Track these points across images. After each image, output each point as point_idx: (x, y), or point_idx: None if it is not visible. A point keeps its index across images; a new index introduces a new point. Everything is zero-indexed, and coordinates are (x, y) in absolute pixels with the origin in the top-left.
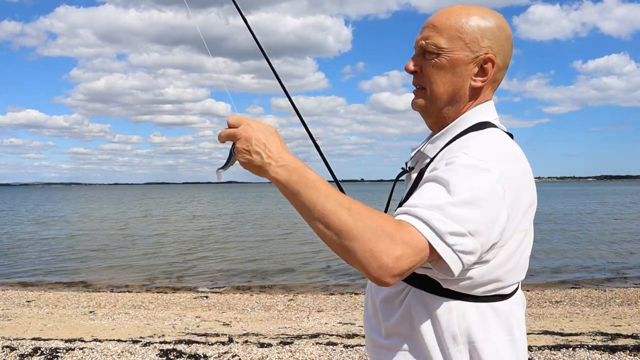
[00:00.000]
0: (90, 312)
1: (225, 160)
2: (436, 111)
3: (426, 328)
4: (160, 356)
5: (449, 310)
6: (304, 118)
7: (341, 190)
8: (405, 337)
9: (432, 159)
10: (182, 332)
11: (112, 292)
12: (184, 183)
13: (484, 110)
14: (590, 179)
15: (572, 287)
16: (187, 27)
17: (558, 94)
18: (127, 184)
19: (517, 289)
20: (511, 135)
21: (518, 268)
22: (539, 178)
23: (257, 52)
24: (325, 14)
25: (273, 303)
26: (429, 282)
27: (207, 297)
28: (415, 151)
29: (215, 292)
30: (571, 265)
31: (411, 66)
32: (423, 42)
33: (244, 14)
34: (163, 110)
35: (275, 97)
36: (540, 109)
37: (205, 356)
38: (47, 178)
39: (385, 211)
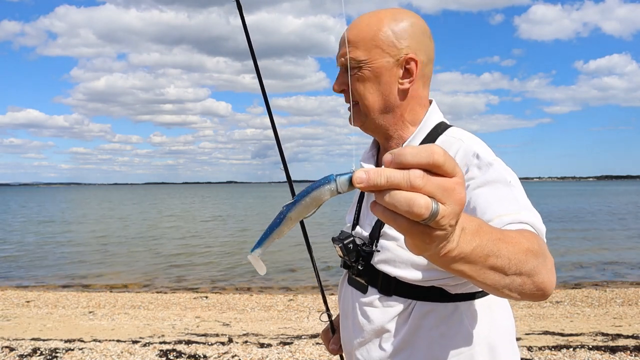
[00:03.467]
0: (90, 312)
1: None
2: (373, 123)
3: (443, 334)
4: (160, 356)
5: (460, 313)
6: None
7: (292, 192)
8: (419, 348)
9: None
10: (182, 332)
11: (111, 292)
12: (183, 183)
13: (436, 112)
14: (591, 179)
15: (573, 287)
16: (187, 27)
17: (559, 93)
18: (127, 184)
19: None
20: None
21: None
22: (539, 178)
23: (257, 52)
24: (327, 14)
25: (273, 303)
26: (435, 291)
27: (207, 297)
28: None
29: (215, 292)
30: (572, 265)
31: (336, 87)
32: (342, 59)
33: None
34: (163, 110)
35: (275, 97)
36: (541, 109)
37: (205, 356)
38: (47, 178)
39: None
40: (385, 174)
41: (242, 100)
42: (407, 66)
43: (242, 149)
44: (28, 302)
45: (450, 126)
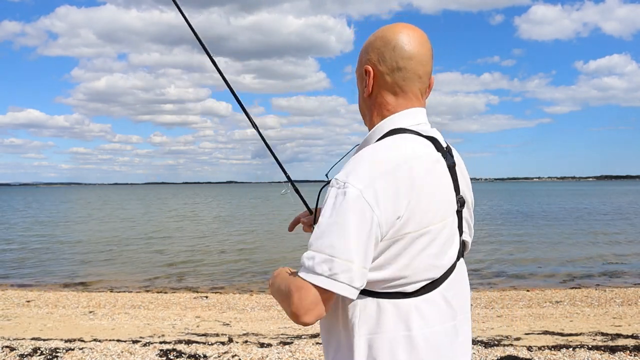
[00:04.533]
0: (90, 312)
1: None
2: (365, 123)
3: (338, 321)
4: (160, 356)
5: (354, 305)
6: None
7: (295, 187)
8: (327, 331)
9: None
10: (182, 332)
11: (111, 292)
12: (183, 183)
13: (394, 121)
14: (591, 179)
15: (572, 287)
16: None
17: (559, 94)
18: (127, 183)
19: (429, 287)
20: (432, 138)
21: (416, 268)
22: (539, 178)
23: (258, 52)
24: (328, 14)
25: (273, 303)
26: None
27: (207, 297)
28: None
29: (215, 292)
30: (571, 265)
31: None
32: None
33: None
34: (164, 110)
35: (275, 97)
36: (541, 109)
37: (205, 356)
38: (47, 178)
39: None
40: None
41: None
42: (365, 76)
43: (242, 149)
44: (28, 301)
45: (391, 135)
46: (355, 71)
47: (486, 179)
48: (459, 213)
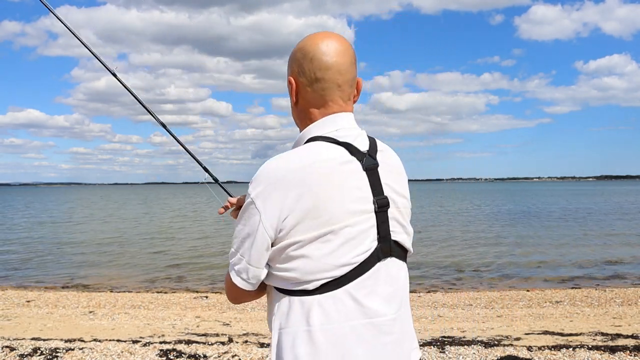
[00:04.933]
0: (90, 312)
1: None
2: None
3: (269, 317)
4: (160, 356)
5: (272, 301)
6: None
7: (214, 177)
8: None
9: None
10: (182, 332)
11: (111, 292)
12: (183, 183)
13: (312, 130)
14: (591, 179)
15: (572, 287)
16: (188, 27)
17: (559, 94)
18: (127, 183)
19: (332, 284)
20: (346, 144)
21: (314, 267)
22: (539, 178)
23: (258, 52)
24: (328, 14)
25: None
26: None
27: (207, 297)
28: None
29: (215, 292)
30: (571, 265)
31: None
32: None
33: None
34: (164, 110)
35: (275, 97)
36: (541, 109)
37: (205, 356)
38: (47, 178)
39: None
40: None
41: (242, 101)
42: (289, 87)
43: (243, 149)
44: (28, 301)
45: (303, 144)
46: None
47: (486, 179)
48: (380, 213)
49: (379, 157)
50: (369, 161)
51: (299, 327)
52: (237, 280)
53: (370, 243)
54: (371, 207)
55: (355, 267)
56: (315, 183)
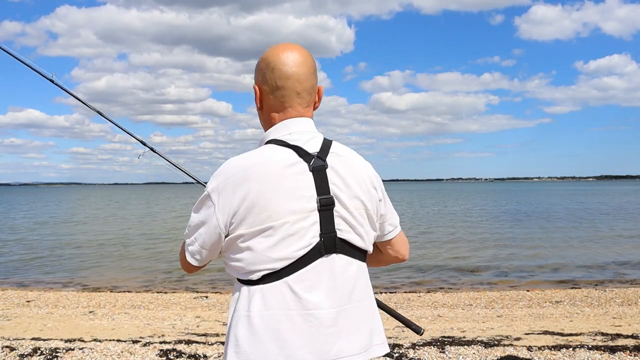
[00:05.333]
0: (90, 312)
1: None
2: None
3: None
4: (160, 356)
5: (233, 289)
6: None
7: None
8: None
9: None
10: (182, 332)
11: (112, 292)
12: (183, 183)
13: (270, 133)
14: (591, 179)
15: (572, 287)
16: (188, 27)
17: (559, 94)
18: (127, 183)
19: (272, 276)
20: (295, 147)
21: (255, 259)
22: (539, 178)
23: (258, 52)
24: (328, 15)
25: None
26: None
27: (207, 297)
28: None
29: (216, 292)
30: (571, 265)
31: None
32: None
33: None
34: (164, 110)
35: None
36: (541, 109)
37: (205, 356)
38: (47, 178)
39: None
40: None
41: (242, 101)
42: (254, 94)
43: (243, 149)
44: (28, 301)
45: (261, 145)
46: None
47: (486, 179)
48: (324, 212)
49: (330, 159)
50: (316, 162)
51: (242, 312)
52: (190, 260)
53: (310, 239)
54: (314, 205)
55: (295, 261)
56: (260, 182)
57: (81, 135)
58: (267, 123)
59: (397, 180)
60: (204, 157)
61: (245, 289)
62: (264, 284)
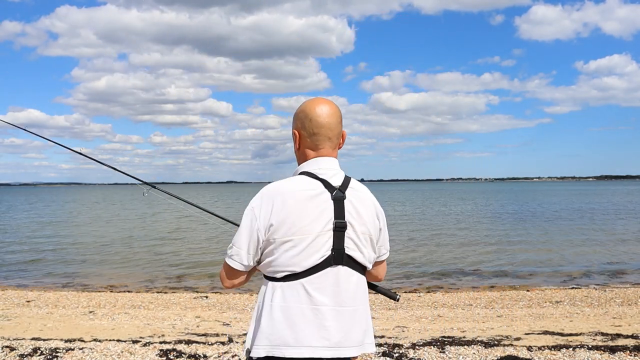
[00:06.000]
0: (90, 312)
1: None
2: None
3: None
4: (160, 356)
5: (261, 285)
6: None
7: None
8: None
9: None
10: (182, 332)
11: (112, 292)
12: (183, 183)
13: (303, 166)
14: (590, 179)
15: (572, 287)
16: (188, 27)
17: (559, 94)
18: (127, 184)
19: (292, 277)
20: (322, 180)
21: (281, 262)
22: (539, 178)
23: (259, 52)
24: (329, 15)
25: None
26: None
27: (207, 297)
28: None
29: (215, 292)
30: (571, 265)
31: None
32: None
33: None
34: (164, 110)
35: (276, 97)
36: (541, 109)
37: (205, 356)
38: (47, 178)
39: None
40: None
41: (242, 101)
42: (293, 137)
43: (243, 148)
44: (28, 301)
45: (295, 175)
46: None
47: (486, 179)
48: (338, 232)
49: (348, 192)
50: (337, 194)
51: (266, 302)
52: (231, 263)
53: (324, 252)
54: (331, 227)
55: (310, 268)
56: (292, 203)
57: (81, 135)
58: (303, 157)
59: (397, 180)
60: (204, 157)
61: (270, 284)
62: (284, 282)
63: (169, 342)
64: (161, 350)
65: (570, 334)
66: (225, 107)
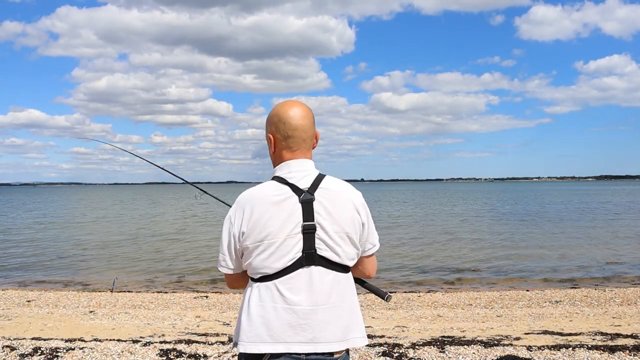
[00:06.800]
0: (90, 311)
1: None
2: None
3: None
4: (160, 356)
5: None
6: None
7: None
8: None
9: None
10: (182, 332)
11: (112, 292)
12: (182, 183)
13: (275, 171)
14: (590, 179)
15: (572, 287)
16: (188, 27)
17: (559, 94)
18: (128, 183)
19: (266, 278)
20: (290, 184)
21: (255, 265)
22: (538, 178)
23: (259, 52)
24: (329, 15)
25: None
26: None
27: (207, 297)
28: None
29: (216, 292)
30: (571, 265)
31: None
32: None
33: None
34: (164, 110)
35: (276, 97)
36: (541, 109)
37: (205, 356)
38: (48, 178)
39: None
40: None
41: (243, 101)
42: (268, 141)
43: (243, 148)
44: (29, 301)
45: (269, 181)
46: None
47: (486, 179)
48: (307, 235)
49: (318, 193)
50: (305, 197)
51: (245, 302)
52: (220, 269)
53: (294, 254)
54: (299, 229)
55: (283, 269)
56: (260, 210)
57: (82, 135)
58: (278, 161)
59: (397, 180)
60: (204, 157)
61: (250, 284)
62: (260, 282)
63: (169, 342)
64: (161, 350)
65: (570, 334)
66: (226, 107)
